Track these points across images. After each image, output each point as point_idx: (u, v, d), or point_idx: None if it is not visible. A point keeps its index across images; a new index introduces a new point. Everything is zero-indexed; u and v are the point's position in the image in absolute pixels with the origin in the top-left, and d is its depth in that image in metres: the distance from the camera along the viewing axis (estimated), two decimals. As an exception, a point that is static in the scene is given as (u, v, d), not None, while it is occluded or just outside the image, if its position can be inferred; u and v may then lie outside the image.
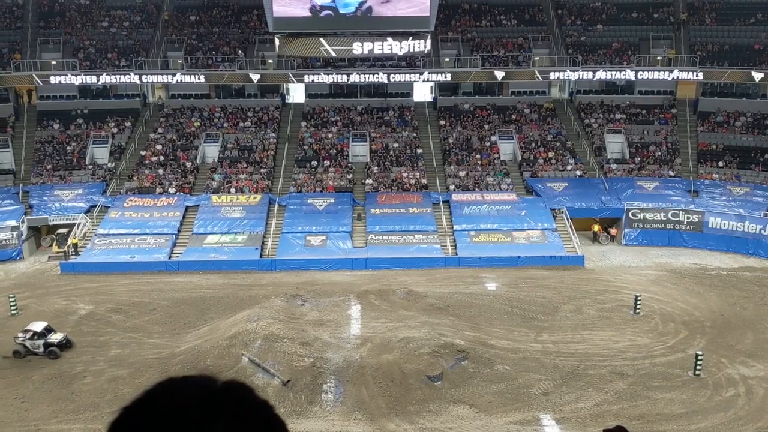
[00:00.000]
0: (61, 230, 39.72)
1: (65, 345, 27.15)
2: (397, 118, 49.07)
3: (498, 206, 41.19)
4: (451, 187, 43.40)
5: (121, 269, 36.25)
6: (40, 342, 26.57)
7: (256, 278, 35.57)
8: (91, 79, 45.96)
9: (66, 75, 45.15)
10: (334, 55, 39.57)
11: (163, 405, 1.76)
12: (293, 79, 46.25)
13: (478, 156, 45.91)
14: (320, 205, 41.65)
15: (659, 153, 45.97)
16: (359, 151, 46.77)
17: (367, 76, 45.96)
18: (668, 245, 40.23)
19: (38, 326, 27.21)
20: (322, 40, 37.88)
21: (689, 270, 36.82)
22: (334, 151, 46.46)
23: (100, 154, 46.24)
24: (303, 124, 48.54)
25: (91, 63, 47.50)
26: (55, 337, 26.96)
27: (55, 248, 38.98)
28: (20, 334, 26.77)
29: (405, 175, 44.35)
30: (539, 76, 46.23)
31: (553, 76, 46.74)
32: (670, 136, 46.98)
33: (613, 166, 45.16)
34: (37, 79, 44.89)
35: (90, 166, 45.18)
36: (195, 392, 1.80)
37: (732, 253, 38.89)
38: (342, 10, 37.80)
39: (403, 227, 39.62)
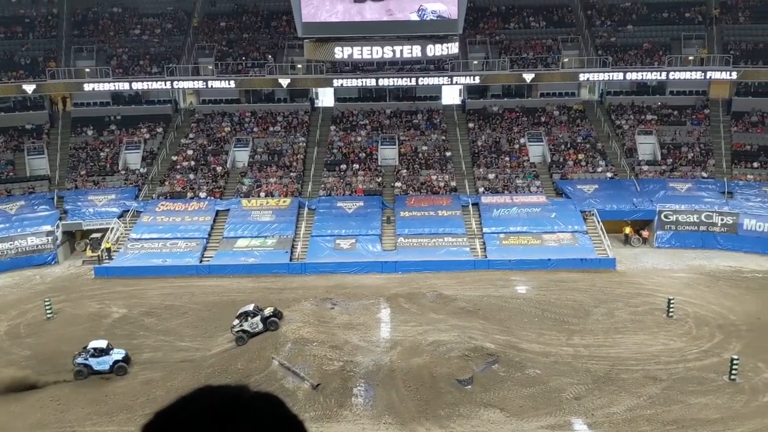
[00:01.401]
0: (94, 235, 40.42)
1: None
2: (426, 120, 49.03)
3: (527, 209, 40.91)
4: (480, 190, 43.23)
5: (153, 273, 36.69)
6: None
7: (286, 281, 35.79)
8: (123, 86, 46.79)
9: (99, 82, 45.99)
10: (356, 58, 39.45)
11: (193, 412, 1.82)
12: (324, 83, 46.50)
13: (507, 158, 45.66)
14: (349, 209, 41.77)
15: (692, 154, 45.25)
16: (388, 154, 46.84)
17: (395, 79, 46.05)
18: (702, 247, 39.55)
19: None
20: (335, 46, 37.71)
21: (724, 272, 36.16)
22: (363, 154, 46.59)
23: (133, 159, 46.96)
24: (332, 127, 48.76)
25: (123, 70, 48.29)
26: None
27: (89, 252, 39.65)
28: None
29: (434, 177, 44.30)
30: (568, 77, 45.85)
31: (582, 77, 46.31)
32: (703, 137, 46.22)
33: (645, 168, 44.57)
34: (71, 88, 45.73)
35: (123, 172, 45.91)
36: (226, 402, 1.85)
37: (768, 256, 38.14)
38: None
39: (433, 230, 39.55)
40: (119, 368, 25.94)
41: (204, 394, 1.90)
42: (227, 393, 1.90)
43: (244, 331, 27.42)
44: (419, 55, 39.53)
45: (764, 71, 44.74)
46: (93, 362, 25.72)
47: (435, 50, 38.71)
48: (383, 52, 39.37)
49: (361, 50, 38.40)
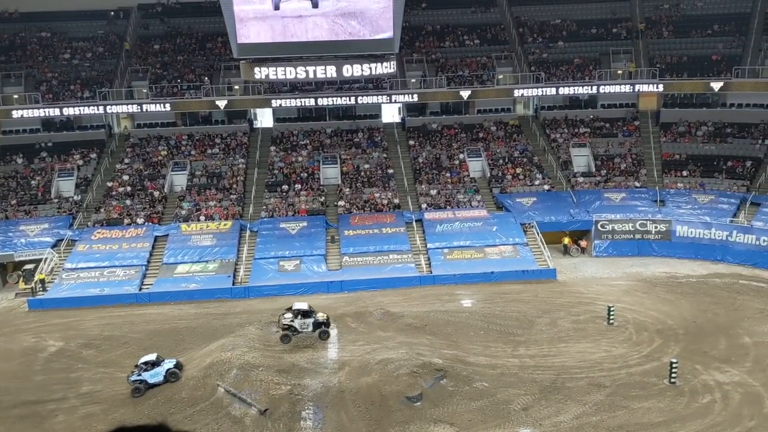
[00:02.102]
0: (27, 266, 38.93)
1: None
2: (367, 139, 49.25)
3: (470, 223, 41.43)
4: (423, 206, 43.57)
5: (90, 303, 35.56)
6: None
7: (230, 306, 35.18)
8: (54, 112, 45.47)
9: (28, 108, 44.61)
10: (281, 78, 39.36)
11: None
12: (260, 104, 46.24)
13: (448, 174, 46.21)
14: (293, 229, 41.46)
15: (624, 165, 46.72)
16: (330, 173, 46.79)
17: (334, 99, 46.17)
18: (638, 255, 40.77)
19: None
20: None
21: (660, 278, 37.31)
22: (305, 174, 46.40)
23: (66, 187, 45.57)
24: (272, 148, 48.44)
25: (54, 95, 46.97)
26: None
27: (21, 285, 38.17)
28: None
29: (377, 195, 44.43)
30: (504, 93, 46.89)
31: (517, 93, 47.40)
32: (635, 148, 47.81)
33: (580, 179, 45.78)
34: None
35: (55, 200, 44.47)
36: None
37: (700, 260, 39.53)
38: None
39: (378, 248, 39.59)
40: (172, 374, 26.27)
41: None
42: None
43: (292, 328, 27.15)
44: (357, 74, 39.79)
45: (688, 83, 46.69)
46: (146, 376, 25.98)
47: (373, 69, 39.04)
48: (321, 72, 39.45)
49: (296, 70, 38.36)
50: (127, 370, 27.96)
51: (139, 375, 25.89)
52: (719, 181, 44.33)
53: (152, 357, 26.59)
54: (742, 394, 24.53)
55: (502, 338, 29.82)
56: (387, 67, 39.69)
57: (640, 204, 43.18)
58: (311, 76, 39.24)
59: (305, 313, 27.86)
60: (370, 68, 38.78)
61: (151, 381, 25.86)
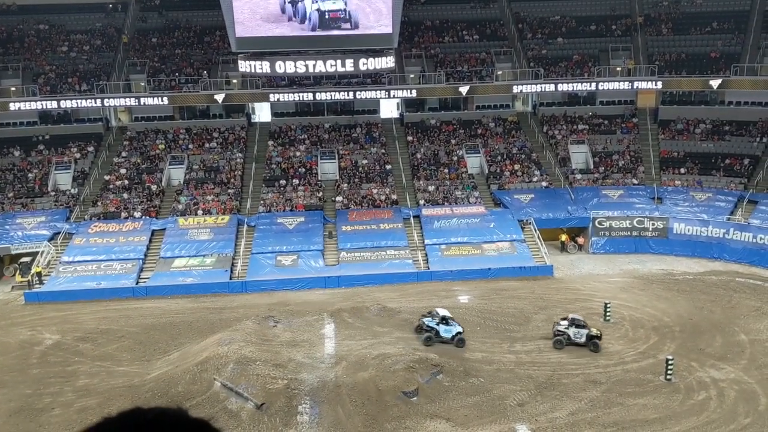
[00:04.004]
0: (24, 259, 38.85)
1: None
2: (365, 134, 49.18)
3: (467, 219, 41.42)
4: (421, 202, 43.55)
5: (87, 297, 35.50)
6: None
7: (227, 301, 35.17)
8: (51, 105, 45.40)
9: (26, 101, 44.49)
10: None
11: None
12: (259, 98, 46.16)
13: (446, 170, 46.18)
14: (290, 224, 41.42)
15: (622, 162, 46.74)
16: (328, 168, 46.73)
17: (332, 93, 46.08)
18: (635, 252, 40.81)
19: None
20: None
21: (656, 276, 37.36)
22: (303, 169, 46.34)
23: (63, 180, 45.46)
24: (270, 143, 48.36)
25: (51, 88, 46.83)
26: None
27: (18, 277, 38.08)
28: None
29: (375, 191, 44.39)
30: (502, 89, 46.85)
31: (516, 89, 47.36)
32: (633, 145, 47.82)
33: (578, 176, 45.78)
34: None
35: (53, 193, 44.38)
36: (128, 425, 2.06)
37: (697, 258, 39.60)
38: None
39: (375, 243, 39.58)
40: (459, 340, 27.84)
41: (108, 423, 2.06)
42: (130, 417, 2.09)
43: (566, 336, 27.59)
44: (356, 69, 39.81)
45: (686, 80, 46.70)
46: (441, 329, 27.92)
47: (371, 64, 39.02)
48: (320, 67, 39.47)
49: (295, 65, 38.33)
50: (124, 364, 28.04)
51: (437, 325, 27.87)
52: (717, 179, 44.38)
53: (447, 313, 28.40)
54: (737, 392, 24.59)
55: (499, 334, 29.86)
56: (386, 62, 39.70)
57: (637, 201, 43.21)
58: (310, 70, 39.27)
59: (579, 325, 27.89)
60: (369, 63, 38.76)
61: (442, 335, 27.81)
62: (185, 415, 2.09)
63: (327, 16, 39.09)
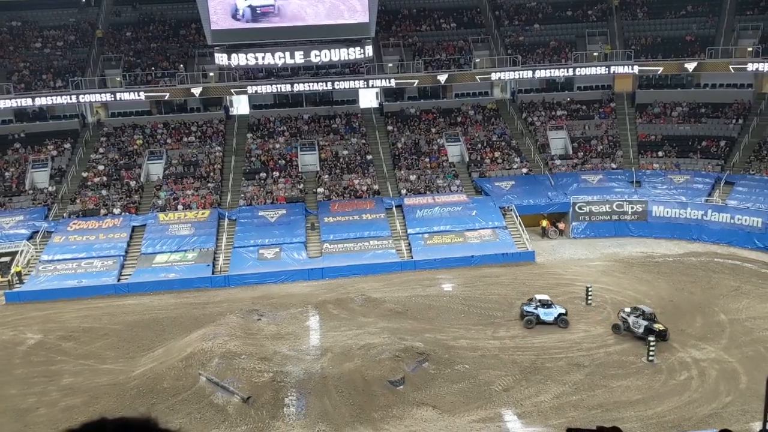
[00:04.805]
0: (3, 259, 38.41)
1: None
2: (345, 125, 49.06)
3: (449, 208, 41.56)
4: (403, 192, 43.59)
5: (69, 295, 35.21)
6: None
7: (210, 296, 35.04)
8: (26, 102, 44.74)
9: (0, 99, 43.83)
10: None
11: None
12: (235, 91, 45.81)
13: (427, 159, 46.24)
14: (272, 217, 41.29)
15: (601, 147, 47.07)
16: (309, 160, 46.58)
17: (311, 84, 45.87)
18: (615, 236, 41.21)
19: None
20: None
21: (637, 259, 37.76)
22: (283, 161, 46.16)
23: (40, 178, 44.94)
24: (249, 135, 48.08)
25: (26, 85, 46.16)
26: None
27: (-2, 278, 37.69)
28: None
29: (356, 181, 44.35)
30: (480, 77, 46.91)
31: (494, 76, 47.44)
32: (611, 130, 48.16)
33: (558, 162, 46.06)
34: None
35: (30, 191, 43.86)
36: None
37: (676, 240, 40.09)
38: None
39: (358, 234, 39.58)
40: (562, 320, 28.72)
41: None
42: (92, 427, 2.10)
43: (627, 324, 27.73)
44: (334, 59, 39.64)
45: (663, 64, 47.03)
46: (541, 312, 28.84)
47: (349, 53, 38.89)
48: (298, 57, 39.22)
49: (273, 56, 38.06)
50: (109, 362, 27.89)
51: (536, 309, 28.81)
52: (694, 161, 44.85)
53: (546, 297, 29.29)
54: (718, 371, 24.99)
55: (483, 321, 30.08)
56: (363, 52, 39.57)
57: (616, 185, 43.58)
58: (288, 61, 39.00)
59: (641, 315, 27.64)
60: (347, 53, 38.62)
61: (543, 318, 28.65)
62: (152, 425, 2.06)
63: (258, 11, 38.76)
